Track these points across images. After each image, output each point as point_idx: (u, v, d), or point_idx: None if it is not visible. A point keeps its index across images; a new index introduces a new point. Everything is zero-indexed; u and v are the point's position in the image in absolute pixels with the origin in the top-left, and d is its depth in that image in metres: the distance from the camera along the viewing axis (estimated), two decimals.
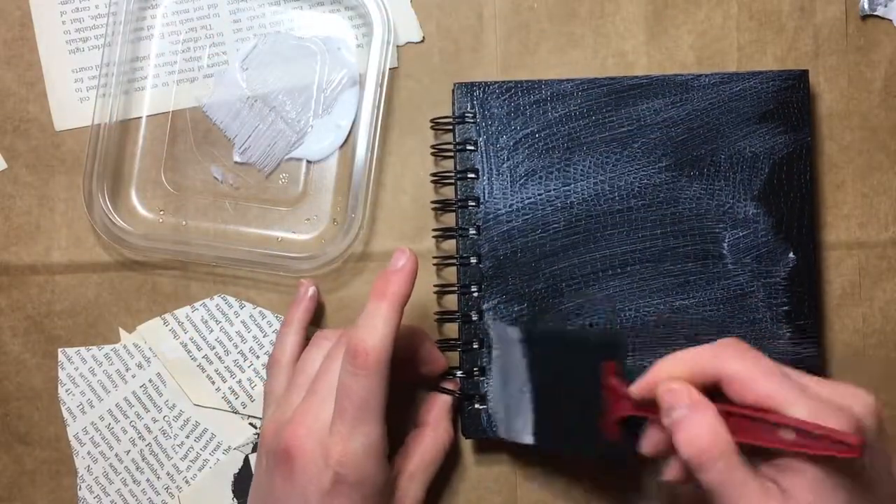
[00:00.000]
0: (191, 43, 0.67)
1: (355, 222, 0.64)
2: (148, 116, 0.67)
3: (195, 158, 0.67)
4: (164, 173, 0.67)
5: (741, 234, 0.64)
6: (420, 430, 0.64)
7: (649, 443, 0.55)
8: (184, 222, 0.67)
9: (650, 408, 0.54)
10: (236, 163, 0.67)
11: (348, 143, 0.67)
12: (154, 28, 0.67)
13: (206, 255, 0.65)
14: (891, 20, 0.67)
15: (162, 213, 0.67)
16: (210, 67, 0.67)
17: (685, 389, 0.52)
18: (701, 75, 0.65)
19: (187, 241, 0.66)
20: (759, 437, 0.50)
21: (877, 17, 0.67)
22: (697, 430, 0.50)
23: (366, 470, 0.55)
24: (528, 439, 0.62)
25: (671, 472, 0.54)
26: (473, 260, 0.64)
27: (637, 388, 0.55)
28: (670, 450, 0.53)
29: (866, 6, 0.66)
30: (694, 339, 0.63)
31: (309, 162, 0.67)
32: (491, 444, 0.67)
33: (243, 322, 0.67)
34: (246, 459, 0.67)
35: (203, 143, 0.67)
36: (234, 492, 0.67)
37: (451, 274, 0.66)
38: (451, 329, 0.66)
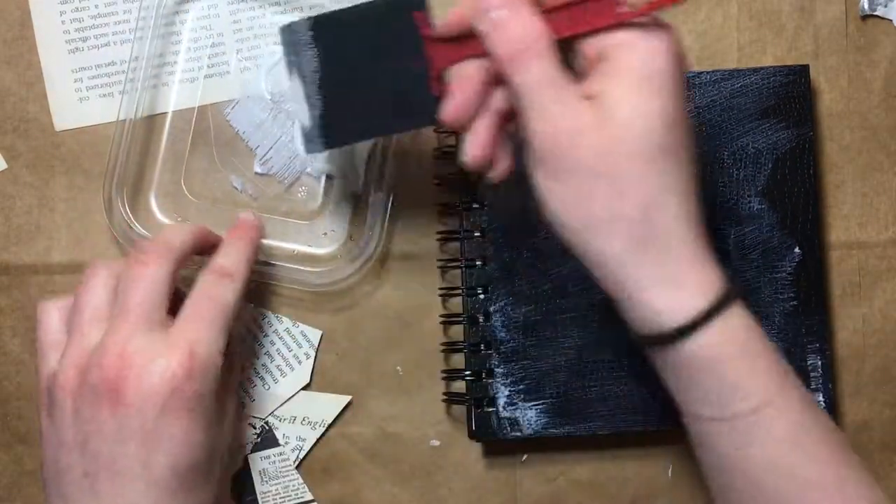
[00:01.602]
0: (216, 47, 0.67)
1: (372, 239, 0.64)
2: (170, 125, 0.66)
3: (215, 167, 0.66)
4: (183, 181, 0.66)
5: (746, 230, 0.64)
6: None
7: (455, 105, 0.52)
8: None
9: (469, 43, 0.51)
10: (256, 173, 0.67)
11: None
12: (182, 33, 0.66)
13: None
14: (891, 20, 0.67)
15: (180, 220, 0.66)
16: (231, 74, 0.66)
17: None
18: (702, 73, 0.65)
19: None
20: (585, 22, 0.49)
21: (877, 17, 0.67)
22: (513, 26, 0.49)
23: (205, 377, 0.56)
24: (320, 147, 0.57)
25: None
26: (479, 262, 0.64)
27: (452, 18, 0.52)
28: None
29: (866, 6, 0.67)
30: None
31: (328, 177, 0.67)
32: (491, 444, 0.67)
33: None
34: (245, 459, 0.67)
35: (224, 152, 0.66)
36: (233, 491, 0.66)
37: (455, 277, 0.66)
38: (456, 332, 0.66)
